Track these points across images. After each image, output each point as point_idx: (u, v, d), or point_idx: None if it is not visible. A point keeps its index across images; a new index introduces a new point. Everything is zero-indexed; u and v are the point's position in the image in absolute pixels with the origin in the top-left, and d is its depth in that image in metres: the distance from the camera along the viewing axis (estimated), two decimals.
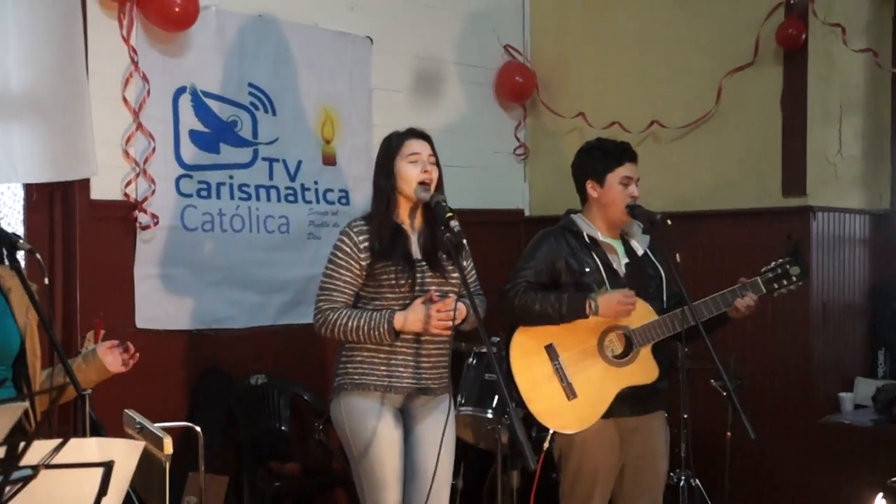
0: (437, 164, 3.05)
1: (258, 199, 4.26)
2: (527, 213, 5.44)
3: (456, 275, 2.99)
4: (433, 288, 2.97)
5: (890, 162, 4.84)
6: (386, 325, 2.89)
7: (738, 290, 3.10)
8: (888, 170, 4.85)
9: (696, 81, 4.75)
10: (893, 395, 4.25)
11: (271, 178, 4.31)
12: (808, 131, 4.46)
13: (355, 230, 2.99)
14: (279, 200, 4.33)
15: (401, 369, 2.97)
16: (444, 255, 2.99)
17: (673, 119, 4.82)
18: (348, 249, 2.97)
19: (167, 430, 2.41)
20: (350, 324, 2.92)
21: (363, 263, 2.95)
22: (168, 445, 2.35)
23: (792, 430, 4.44)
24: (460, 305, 2.91)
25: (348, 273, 2.97)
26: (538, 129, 5.40)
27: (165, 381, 3.89)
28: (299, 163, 4.41)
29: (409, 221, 3.03)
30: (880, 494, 3.06)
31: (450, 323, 2.89)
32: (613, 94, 5.08)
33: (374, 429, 2.92)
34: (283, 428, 4.16)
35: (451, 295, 2.94)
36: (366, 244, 2.96)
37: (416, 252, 3.00)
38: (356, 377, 2.97)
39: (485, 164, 5.17)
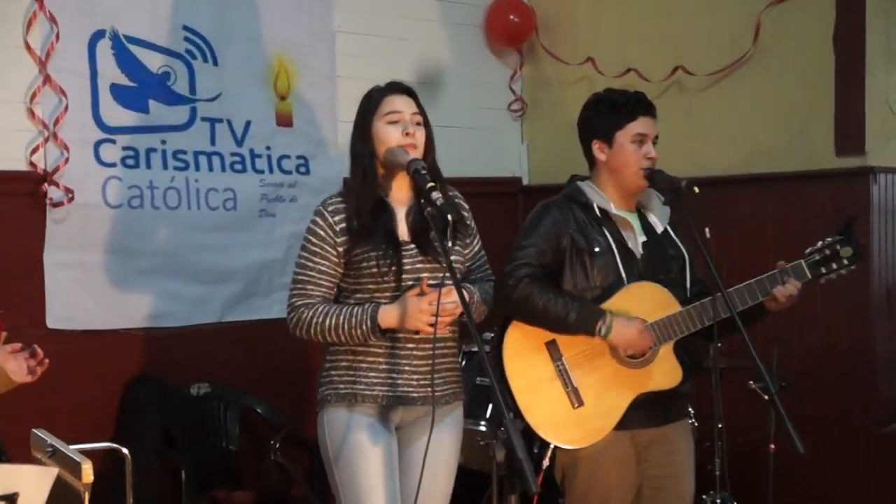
0: (426, 123, 3.03)
1: (198, 168, 4.23)
2: (525, 182, 5.44)
3: (454, 257, 2.97)
4: (426, 275, 2.95)
5: None
6: (369, 323, 2.88)
7: (777, 275, 3.07)
8: None
9: (730, 17, 4.74)
10: None
11: (213, 142, 4.29)
12: (867, 76, 4.44)
13: (330, 209, 2.98)
14: (224, 170, 4.31)
15: (395, 376, 2.96)
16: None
17: (701, 65, 4.81)
18: (322, 233, 2.96)
19: (86, 453, 2.40)
20: (328, 322, 2.91)
21: (341, 249, 2.95)
22: (88, 472, 2.33)
23: (848, 441, 4.44)
24: (455, 297, 2.84)
25: (324, 261, 2.96)
26: (538, 80, 5.38)
27: (85, 392, 3.88)
28: (248, 123, 4.39)
29: (396, 195, 3.01)
30: None
31: (447, 318, 2.87)
32: (629, 34, 5.06)
33: (363, 449, 2.93)
34: (231, 448, 4.14)
35: (446, 283, 2.93)
36: (343, 225, 2.95)
37: (403, 232, 2.99)
38: (341, 387, 2.97)
39: (473, 122, 5.17)
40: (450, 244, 2.95)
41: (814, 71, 4.56)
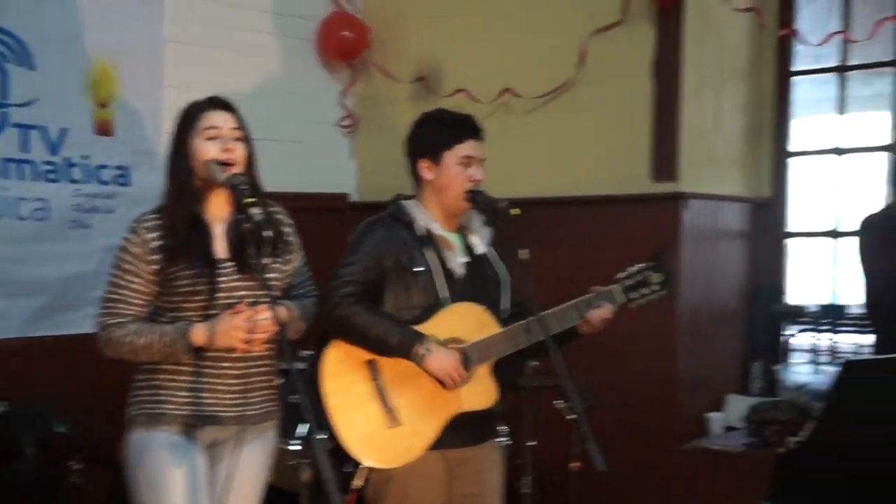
0: (247, 139, 3.00)
1: (6, 176, 4.09)
2: (353, 199, 5.43)
3: (273, 275, 2.97)
4: (243, 293, 2.92)
5: (773, 140, 5.08)
6: (181, 341, 2.84)
7: (592, 299, 3.15)
8: (771, 150, 5.09)
9: (556, 42, 4.85)
10: (767, 416, 4.46)
11: (26, 149, 4.15)
12: (681, 104, 4.62)
13: (144, 226, 2.92)
14: (35, 178, 4.17)
15: (206, 395, 2.93)
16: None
17: (529, 87, 4.91)
18: (136, 250, 2.90)
19: None
20: (140, 341, 2.86)
21: (155, 267, 2.90)
22: None
23: (653, 458, 4.60)
24: (279, 311, 2.87)
25: (137, 279, 2.90)
26: (369, 97, 5.38)
27: None
28: (64, 131, 4.27)
29: (214, 211, 2.98)
30: None
31: (263, 335, 2.85)
32: (460, 55, 5.13)
33: (167, 470, 2.88)
34: (26, 470, 3.96)
35: (263, 300, 2.89)
36: (157, 243, 2.90)
37: (221, 250, 2.96)
38: (151, 406, 2.93)
39: (301, 137, 5.14)
40: (268, 261, 2.93)
41: (634, 97, 4.70)
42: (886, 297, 3.42)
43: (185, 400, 2.92)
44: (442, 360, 3.08)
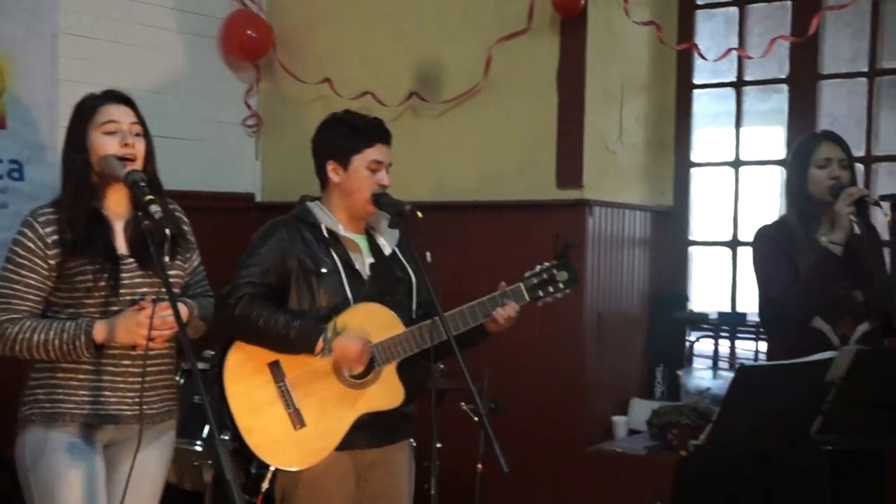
0: (146, 134, 2.97)
1: None
2: (258, 199, 5.38)
3: (174, 272, 2.96)
4: (146, 290, 2.90)
5: (674, 151, 5.19)
6: (83, 338, 2.80)
7: (497, 297, 3.16)
8: (672, 160, 5.19)
9: (463, 49, 4.87)
10: (669, 419, 4.54)
11: None
12: (586, 114, 4.68)
13: (41, 220, 2.87)
14: None
15: (107, 393, 2.88)
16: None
17: (436, 92, 4.92)
18: (32, 245, 2.85)
19: None
20: (36, 338, 2.81)
21: (52, 262, 2.85)
22: None
23: (559, 460, 4.63)
24: (181, 309, 2.82)
25: (32, 275, 2.85)
26: (274, 97, 5.33)
27: None
28: None
29: (113, 207, 2.94)
30: None
31: (166, 332, 2.82)
32: (367, 57, 5.11)
33: (62, 471, 2.83)
34: None
35: (164, 298, 2.85)
36: (55, 237, 2.85)
37: (121, 246, 2.93)
38: (47, 406, 2.87)
39: (206, 136, 5.07)
40: (168, 259, 2.91)
41: (540, 106, 4.74)
42: (778, 306, 3.51)
43: (85, 399, 2.87)
44: (347, 348, 3.05)
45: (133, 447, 2.87)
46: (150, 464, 2.98)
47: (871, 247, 3.52)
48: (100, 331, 2.81)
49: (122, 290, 2.87)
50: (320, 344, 3.03)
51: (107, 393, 2.88)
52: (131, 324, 2.80)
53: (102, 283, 2.85)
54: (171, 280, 2.88)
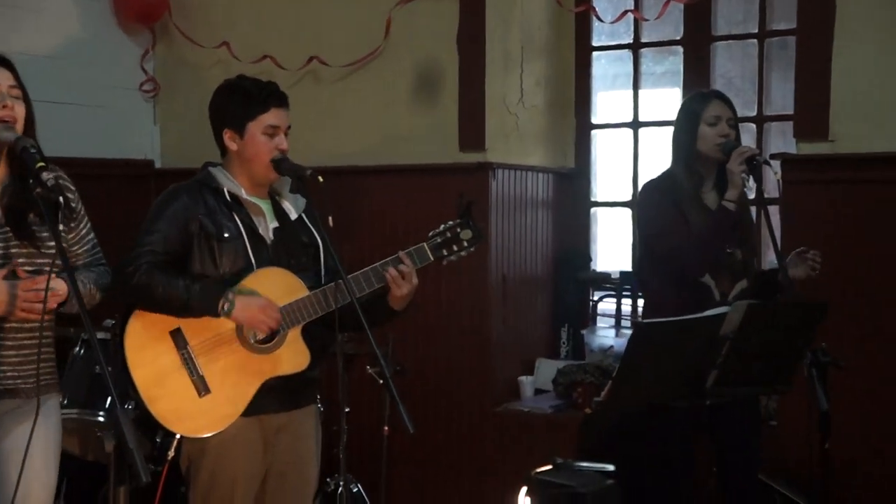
0: (25, 98, 2.88)
1: None
2: (157, 165, 5.32)
3: (53, 242, 2.84)
4: (22, 261, 2.82)
5: (575, 114, 5.27)
6: None
7: (395, 260, 3.15)
8: (573, 123, 5.27)
9: (363, 11, 4.86)
10: (574, 378, 4.64)
11: None
12: (486, 77, 4.72)
13: None
14: None
15: None
16: (38, 218, 2.84)
17: (336, 56, 4.90)
18: None
19: None
20: None
21: None
22: None
23: (466, 420, 4.71)
24: (59, 283, 2.78)
25: None
26: (172, 61, 5.26)
27: None
28: None
29: None
30: (524, 489, 3.34)
31: (39, 305, 2.73)
32: (265, 21, 5.07)
33: None
34: None
35: (44, 269, 2.80)
36: None
37: None
38: None
39: (102, 101, 4.99)
40: (39, 229, 2.84)
41: (440, 69, 4.76)
42: (670, 260, 3.57)
43: None
44: (248, 306, 3.04)
45: (13, 421, 2.85)
46: (39, 436, 2.81)
47: (762, 206, 3.66)
48: None
49: None
50: (221, 303, 3.02)
51: None
52: (3, 295, 2.73)
53: None
54: (50, 251, 2.84)
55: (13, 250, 2.82)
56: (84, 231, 3.04)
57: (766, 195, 3.70)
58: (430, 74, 4.80)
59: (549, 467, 3.41)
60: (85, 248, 3.04)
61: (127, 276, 3.03)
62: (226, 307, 3.03)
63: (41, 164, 2.69)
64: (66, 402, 3.56)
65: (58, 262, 2.78)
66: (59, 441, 3.00)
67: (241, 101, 3.19)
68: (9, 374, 2.84)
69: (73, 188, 2.99)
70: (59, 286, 2.79)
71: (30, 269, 2.81)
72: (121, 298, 3.09)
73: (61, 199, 2.67)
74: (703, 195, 3.62)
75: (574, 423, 4.30)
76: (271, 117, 3.17)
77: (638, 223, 3.69)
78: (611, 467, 3.39)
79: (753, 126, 4.79)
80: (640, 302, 4.66)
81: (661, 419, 3.43)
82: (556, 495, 3.24)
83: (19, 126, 2.83)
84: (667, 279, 3.60)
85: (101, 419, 3.58)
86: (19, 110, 2.84)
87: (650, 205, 3.66)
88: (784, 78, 4.73)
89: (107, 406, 3.60)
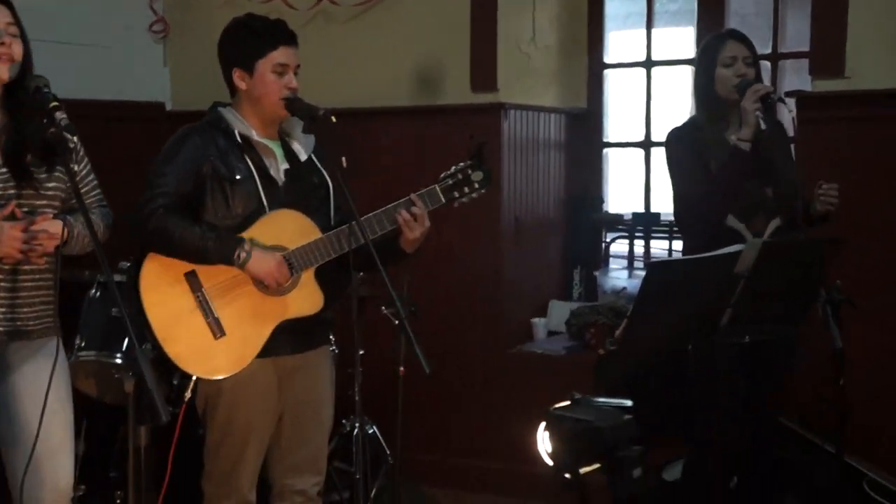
0: (23, 36, 2.85)
1: None
2: (169, 107, 5.31)
3: (53, 185, 2.87)
4: (21, 202, 2.81)
5: (587, 53, 5.22)
6: None
7: (407, 202, 3.14)
8: (585, 62, 5.22)
9: None
10: (587, 319, 4.65)
11: None
12: (499, 18, 4.68)
13: None
14: None
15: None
16: (37, 159, 2.84)
17: None
18: None
19: None
20: None
21: None
22: None
23: (480, 362, 4.75)
24: (55, 225, 2.78)
25: None
26: (180, 1, 5.23)
27: None
28: None
29: None
30: (542, 424, 3.38)
31: (41, 248, 2.76)
32: None
33: None
34: None
35: (43, 211, 2.81)
36: None
37: None
38: None
39: (110, 42, 4.96)
40: (46, 170, 2.84)
41: (452, 10, 4.73)
42: (692, 205, 3.59)
43: None
44: (263, 262, 3.05)
45: (13, 364, 2.88)
46: (40, 379, 2.84)
47: (779, 143, 3.63)
48: None
49: None
50: (237, 253, 3.03)
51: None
52: (5, 237, 2.72)
53: None
54: (49, 192, 2.85)
55: (11, 192, 2.81)
56: (84, 172, 3.04)
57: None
58: (441, 15, 4.76)
59: (566, 403, 3.44)
60: (86, 188, 3.03)
61: (143, 219, 3.03)
62: (242, 257, 3.04)
63: (55, 103, 2.69)
64: (83, 344, 3.61)
65: (55, 203, 2.84)
66: (68, 379, 3.01)
67: (249, 39, 3.18)
68: (17, 316, 2.86)
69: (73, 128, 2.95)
70: (55, 228, 2.79)
71: (27, 210, 2.81)
72: (137, 241, 3.10)
73: (76, 139, 2.68)
74: (728, 137, 3.59)
75: (588, 364, 4.31)
76: (280, 55, 3.16)
77: (668, 170, 3.69)
78: (628, 402, 3.41)
79: (768, 64, 4.74)
80: (655, 243, 4.68)
81: (675, 359, 3.44)
82: (574, 430, 3.27)
83: (16, 65, 2.80)
84: (696, 225, 3.61)
85: (119, 361, 3.60)
86: (17, 49, 2.81)
87: (673, 152, 3.67)
88: (799, 14, 4.68)
89: (124, 348, 3.62)
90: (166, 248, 3.06)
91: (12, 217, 2.78)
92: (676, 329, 3.21)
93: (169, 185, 3.08)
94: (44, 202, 2.85)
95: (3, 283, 2.84)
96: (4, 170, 2.81)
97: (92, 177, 3.07)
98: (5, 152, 2.83)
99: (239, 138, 3.17)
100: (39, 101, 2.73)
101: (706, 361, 3.33)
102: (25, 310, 2.89)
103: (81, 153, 3.02)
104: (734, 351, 3.28)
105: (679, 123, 3.72)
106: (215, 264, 3.07)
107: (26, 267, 2.84)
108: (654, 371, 3.65)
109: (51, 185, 2.86)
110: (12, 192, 2.81)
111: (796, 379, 3.80)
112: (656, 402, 3.70)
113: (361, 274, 3.80)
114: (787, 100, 4.05)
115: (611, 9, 5.27)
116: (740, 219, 3.53)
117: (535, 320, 4.90)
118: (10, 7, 2.84)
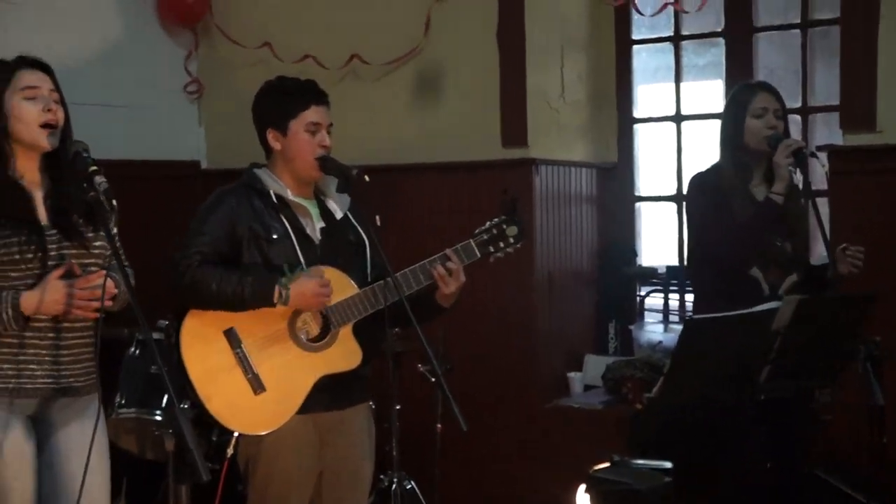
0: (62, 102, 2.94)
1: None
2: (203, 166, 5.40)
3: (99, 243, 2.94)
4: (73, 261, 2.89)
5: (616, 107, 5.28)
6: (10, 311, 2.78)
7: (442, 257, 3.18)
8: (615, 117, 5.28)
9: (402, 9, 4.92)
10: (623, 373, 4.65)
11: None
12: (527, 73, 4.75)
13: None
14: None
15: (33, 366, 2.87)
16: (81, 220, 2.92)
17: (376, 54, 4.95)
18: None
19: None
20: None
21: None
22: None
23: (517, 417, 4.75)
24: (108, 281, 2.84)
25: None
26: (214, 62, 5.33)
27: None
28: None
29: (29, 176, 2.92)
30: (582, 486, 3.36)
31: (96, 303, 2.81)
32: (306, 21, 5.12)
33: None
34: None
35: (93, 269, 2.89)
36: None
37: (42, 217, 2.91)
38: None
39: (147, 103, 5.05)
40: (93, 230, 2.92)
41: (481, 66, 4.80)
42: (715, 253, 3.58)
43: (11, 371, 2.86)
44: (303, 289, 3.08)
45: (58, 421, 2.92)
46: (84, 437, 2.88)
47: (809, 198, 3.65)
48: (28, 302, 2.79)
49: (49, 263, 2.85)
50: (277, 291, 3.07)
51: (32, 365, 2.87)
52: (60, 294, 2.80)
53: (30, 256, 2.83)
54: (96, 251, 2.93)
55: (65, 251, 2.89)
56: (114, 231, 3.09)
57: (813, 187, 3.69)
58: (470, 71, 4.84)
59: (606, 465, 3.44)
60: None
61: (178, 276, 3.09)
62: (283, 294, 3.07)
63: (94, 168, 2.78)
64: (123, 401, 3.65)
65: (100, 262, 2.92)
66: (106, 438, 3.05)
67: (281, 100, 3.25)
68: (63, 372, 2.91)
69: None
70: (109, 284, 2.85)
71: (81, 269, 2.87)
72: (176, 298, 3.15)
73: (114, 202, 2.75)
74: (752, 188, 3.62)
75: (625, 419, 4.32)
76: (312, 114, 3.23)
77: (686, 217, 3.70)
78: (668, 464, 3.41)
79: (798, 117, 4.78)
80: (690, 296, 4.68)
81: (713, 415, 3.43)
82: (614, 492, 3.28)
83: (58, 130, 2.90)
84: (716, 273, 3.60)
85: (158, 418, 3.64)
86: (60, 115, 2.90)
87: (695, 197, 3.67)
88: (828, 68, 4.72)
89: (163, 405, 3.65)
90: (205, 298, 3.10)
91: (70, 275, 2.85)
92: (714, 385, 3.20)
93: (204, 245, 3.14)
94: (92, 260, 2.93)
95: (50, 340, 2.90)
96: (54, 231, 2.89)
97: (117, 237, 3.13)
98: (52, 214, 2.91)
99: (274, 198, 3.22)
100: (80, 167, 2.81)
101: (732, 414, 3.33)
102: (74, 366, 2.94)
103: (116, 215, 3.09)
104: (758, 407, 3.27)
105: (703, 169, 3.73)
106: (256, 307, 3.09)
107: (69, 324, 2.90)
108: (690, 428, 3.64)
109: (97, 243, 2.95)
110: (66, 251, 2.89)
111: (830, 432, 3.78)
112: (691, 461, 3.68)
113: (397, 329, 3.85)
114: (819, 154, 4.08)
115: (639, 63, 5.32)
116: (759, 268, 3.54)
117: (572, 374, 4.90)
118: (51, 74, 2.94)
